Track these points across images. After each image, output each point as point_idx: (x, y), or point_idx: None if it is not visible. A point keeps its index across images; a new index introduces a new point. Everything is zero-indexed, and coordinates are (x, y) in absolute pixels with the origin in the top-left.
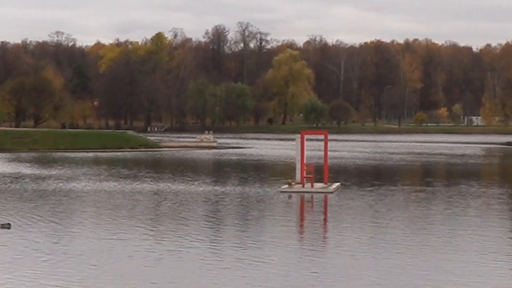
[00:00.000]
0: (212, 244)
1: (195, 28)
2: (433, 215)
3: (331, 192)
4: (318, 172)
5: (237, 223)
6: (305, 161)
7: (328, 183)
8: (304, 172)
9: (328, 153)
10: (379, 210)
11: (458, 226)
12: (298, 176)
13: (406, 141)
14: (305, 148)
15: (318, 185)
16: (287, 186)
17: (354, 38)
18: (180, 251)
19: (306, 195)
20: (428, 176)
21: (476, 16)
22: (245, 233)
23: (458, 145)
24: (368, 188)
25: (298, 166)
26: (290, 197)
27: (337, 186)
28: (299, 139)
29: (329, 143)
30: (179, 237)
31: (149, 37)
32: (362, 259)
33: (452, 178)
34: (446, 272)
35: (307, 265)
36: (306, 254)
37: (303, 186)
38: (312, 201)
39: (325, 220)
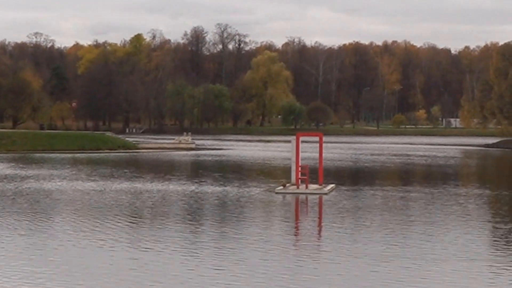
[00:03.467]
0: (200, 246)
1: (170, 30)
2: (432, 216)
3: (326, 194)
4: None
5: (230, 224)
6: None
7: (323, 185)
8: (300, 173)
9: (311, 154)
10: (376, 212)
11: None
12: (293, 178)
13: (386, 143)
14: (286, 150)
15: (312, 186)
16: (281, 187)
17: (332, 40)
18: (160, 252)
19: (301, 196)
20: (416, 177)
21: (455, 18)
22: (238, 234)
23: (441, 147)
24: (361, 189)
25: (294, 167)
26: (284, 197)
27: (332, 187)
28: (295, 141)
29: (309, 145)
30: (159, 237)
31: (126, 38)
32: (356, 265)
33: (443, 180)
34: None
35: (295, 268)
36: (295, 258)
37: (298, 188)
38: (306, 202)
39: (318, 222)
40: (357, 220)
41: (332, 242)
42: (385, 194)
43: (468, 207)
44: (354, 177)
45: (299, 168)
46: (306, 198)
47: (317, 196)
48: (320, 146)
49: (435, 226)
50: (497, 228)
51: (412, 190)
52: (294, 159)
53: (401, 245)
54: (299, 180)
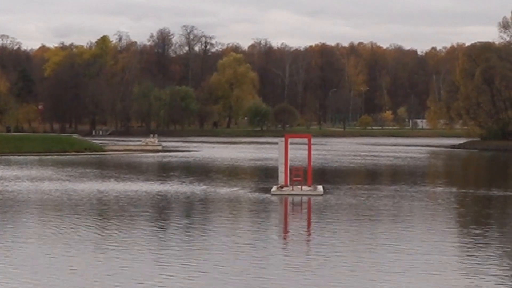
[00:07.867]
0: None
1: (134, 32)
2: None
3: (321, 195)
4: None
5: (232, 227)
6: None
7: (313, 186)
8: (293, 174)
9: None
10: (384, 211)
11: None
12: (280, 179)
13: (353, 143)
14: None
15: (304, 188)
16: (276, 189)
17: (298, 41)
18: (131, 255)
19: (301, 198)
20: (384, 177)
21: (421, 20)
22: (242, 239)
23: (408, 148)
24: (351, 189)
25: (281, 169)
26: (281, 200)
27: (322, 188)
28: (283, 143)
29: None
30: (128, 239)
31: (91, 40)
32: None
33: (413, 181)
34: None
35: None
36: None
37: (292, 189)
38: (301, 204)
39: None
40: (352, 223)
41: (326, 248)
42: (368, 194)
43: (449, 209)
44: (335, 177)
45: (294, 170)
46: (301, 199)
47: (317, 197)
48: (309, 148)
49: (402, 234)
50: (465, 233)
51: (381, 189)
52: (282, 161)
53: (374, 255)
54: (293, 182)
